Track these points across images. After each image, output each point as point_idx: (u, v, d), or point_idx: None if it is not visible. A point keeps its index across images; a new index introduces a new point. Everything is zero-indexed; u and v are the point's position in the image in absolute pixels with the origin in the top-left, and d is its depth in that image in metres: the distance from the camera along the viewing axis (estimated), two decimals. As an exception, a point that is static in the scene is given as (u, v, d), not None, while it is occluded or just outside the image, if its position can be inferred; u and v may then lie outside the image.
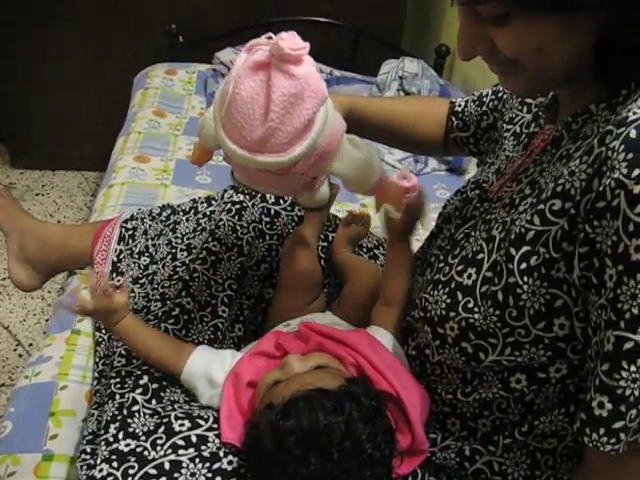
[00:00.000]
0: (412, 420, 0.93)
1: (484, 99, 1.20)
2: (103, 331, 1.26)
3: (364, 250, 1.33)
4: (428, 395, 0.97)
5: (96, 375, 1.19)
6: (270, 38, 0.81)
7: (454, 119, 1.24)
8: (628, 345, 0.70)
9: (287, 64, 0.79)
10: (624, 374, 0.71)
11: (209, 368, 1.00)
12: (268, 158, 0.82)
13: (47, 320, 2.16)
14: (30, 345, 2.10)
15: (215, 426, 0.94)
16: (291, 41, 0.78)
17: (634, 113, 0.71)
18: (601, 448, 0.73)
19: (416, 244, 1.60)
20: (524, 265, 0.79)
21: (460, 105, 1.24)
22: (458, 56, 0.82)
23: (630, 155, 0.69)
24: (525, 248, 0.80)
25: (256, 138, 0.81)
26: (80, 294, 1.00)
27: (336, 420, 0.83)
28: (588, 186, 0.74)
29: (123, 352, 1.10)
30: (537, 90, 0.89)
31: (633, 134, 0.69)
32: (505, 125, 1.08)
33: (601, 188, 0.71)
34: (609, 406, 0.72)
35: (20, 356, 2.07)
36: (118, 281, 1.24)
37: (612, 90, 0.79)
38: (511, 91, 0.92)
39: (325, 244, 1.27)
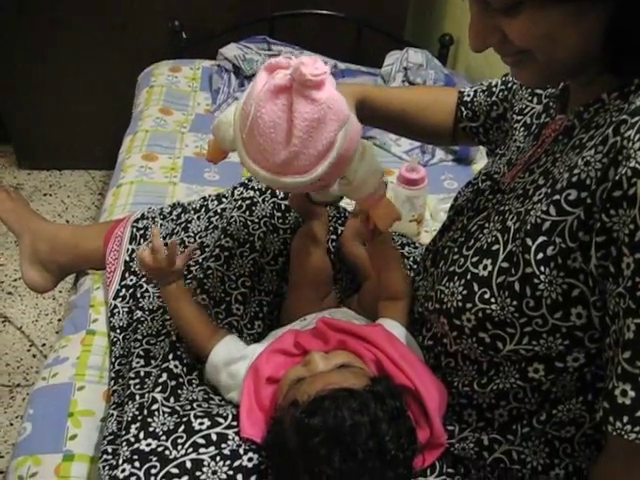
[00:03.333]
0: (430, 413, 0.93)
1: (493, 89, 1.20)
2: (118, 331, 1.26)
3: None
4: (445, 388, 0.98)
5: (112, 375, 1.19)
6: (290, 58, 0.82)
7: (463, 109, 1.24)
8: None
9: (309, 89, 0.80)
10: None
11: (232, 358, 1.01)
12: (290, 179, 0.84)
13: (59, 320, 2.17)
14: (43, 345, 2.11)
15: (234, 424, 0.95)
16: (312, 66, 0.80)
17: None
18: (625, 436, 0.73)
19: (425, 236, 1.62)
20: (541, 255, 0.80)
21: (469, 95, 1.24)
22: (470, 48, 0.82)
23: None
24: (541, 238, 0.80)
25: (279, 161, 0.83)
26: (141, 252, 1.06)
27: (362, 420, 0.83)
28: (604, 175, 0.74)
29: (141, 353, 1.11)
30: (548, 81, 0.88)
31: None
32: (515, 116, 1.08)
33: (617, 177, 0.71)
34: (632, 394, 0.72)
35: (34, 356, 2.08)
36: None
37: (624, 79, 0.79)
38: (523, 82, 0.92)
39: (334, 237, 1.27)
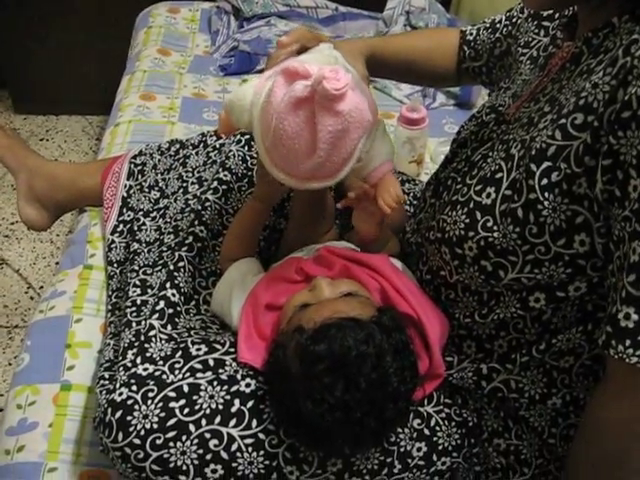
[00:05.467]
0: (431, 343, 0.93)
1: (497, 25, 1.17)
2: (115, 265, 1.26)
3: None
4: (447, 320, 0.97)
5: (109, 307, 1.19)
6: (308, 66, 0.82)
7: (466, 48, 1.22)
8: None
9: (332, 102, 0.80)
10: None
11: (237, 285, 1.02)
12: (316, 184, 0.87)
13: (57, 263, 2.16)
14: (41, 287, 2.11)
15: (232, 350, 0.94)
16: (334, 79, 0.79)
17: None
18: (627, 360, 0.73)
19: (425, 178, 1.60)
20: (545, 181, 0.78)
21: (472, 34, 1.22)
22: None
23: None
24: (546, 164, 0.79)
25: (303, 171, 0.85)
26: None
27: (367, 351, 0.82)
28: (612, 97, 0.72)
29: (138, 282, 1.11)
30: (559, 3, 0.86)
31: None
32: (521, 49, 1.06)
33: (626, 97, 0.70)
34: (635, 317, 0.72)
35: (32, 299, 2.08)
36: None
37: (635, 2, 0.77)
38: (532, 6, 0.89)
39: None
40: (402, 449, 0.94)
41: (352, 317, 0.85)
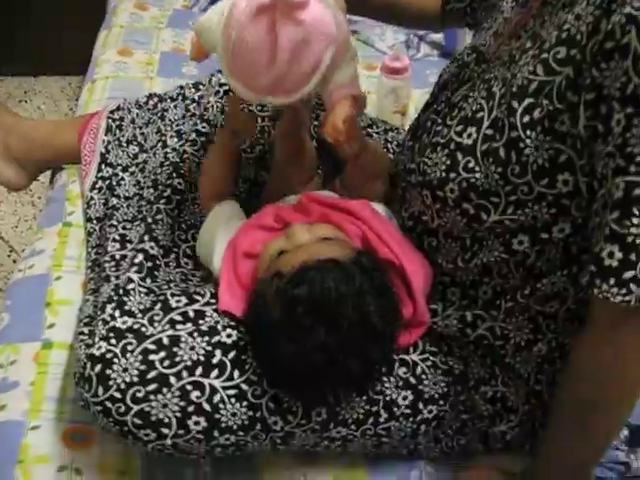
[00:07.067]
0: (414, 290, 0.92)
1: None
2: (94, 222, 1.23)
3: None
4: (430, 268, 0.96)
5: (89, 264, 1.17)
6: None
7: None
8: (638, 190, 0.68)
9: (293, 10, 0.77)
10: (635, 220, 0.69)
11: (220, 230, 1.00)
12: (277, 99, 0.85)
13: (39, 225, 2.14)
14: (23, 251, 2.08)
15: (212, 301, 0.93)
16: None
17: None
18: (611, 299, 0.72)
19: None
20: (527, 118, 0.76)
21: None
22: None
23: None
24: (528, 100, 0.77)
25: (264, 84, 0.82)
26: None
27: (347, 291, 0.81)
28: (595, 28, 0.70)
29: (117, 237, 1.09)
30: None
31: None
32: None
33: (609, 27, 0.68)
34: (619, 255, 0.70)
35: (14, 262, 2.06)
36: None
37: None
38: None
39: (317, 123, 1.23)
40: (388, 398, 0.93)
41: (331, 258, 0.84)
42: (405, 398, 0.94)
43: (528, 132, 0.76)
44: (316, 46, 0.80)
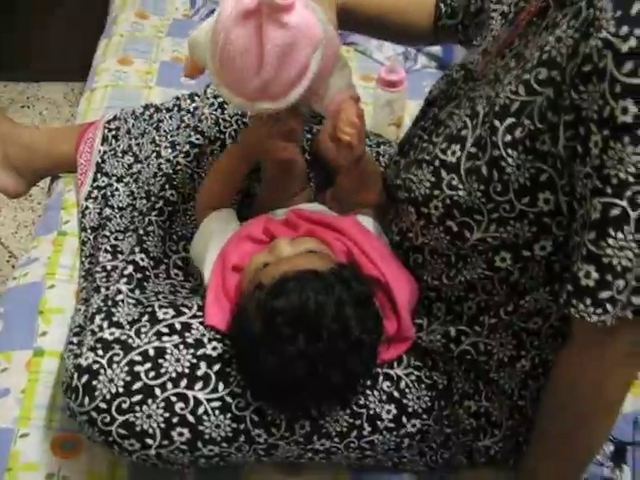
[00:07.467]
0: (399, 306, 0.93)
1: None
2: (89, 231, 1.24)
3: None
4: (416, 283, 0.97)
5: (82, 273, 1.18)
6: None
7: (442, 6, 1.20)
8: (615, 212, 0.69)
9: (278, 13, 0.77)
10: (611, 241, 0.70)
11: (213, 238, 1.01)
12: (265, 105, 0.84)
13: (38, 232, 2.15)
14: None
15: (199, 314, 0.94)
16: None
17: None
18: (587, 318, 0.72)
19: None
20: (509, 137, 0.77)
21: None
22: None
23: (619, 12, 0.66)
24: (509, 120, 0.78)
25: (252, 89, 0.82)
26: None
27: (326, 301, 0.82)
28: (575, 51, 0.71)
29: (109, 248, 1.10)
30: None
31: None
32: (492, 5, 1.04)
33: (587, 50, 0.68)
34: (595, 275, 0.71)
35: (13, 267, 2.06)
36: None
37: None
38: None
39: (309, 136, 1.24)
40: (371, 411, 0.94)
41: (310, 269, 0.85)
42: (389, 412, 0.94)
43: (510, 151, 0.77)
44: (303, 50, 0.80)
